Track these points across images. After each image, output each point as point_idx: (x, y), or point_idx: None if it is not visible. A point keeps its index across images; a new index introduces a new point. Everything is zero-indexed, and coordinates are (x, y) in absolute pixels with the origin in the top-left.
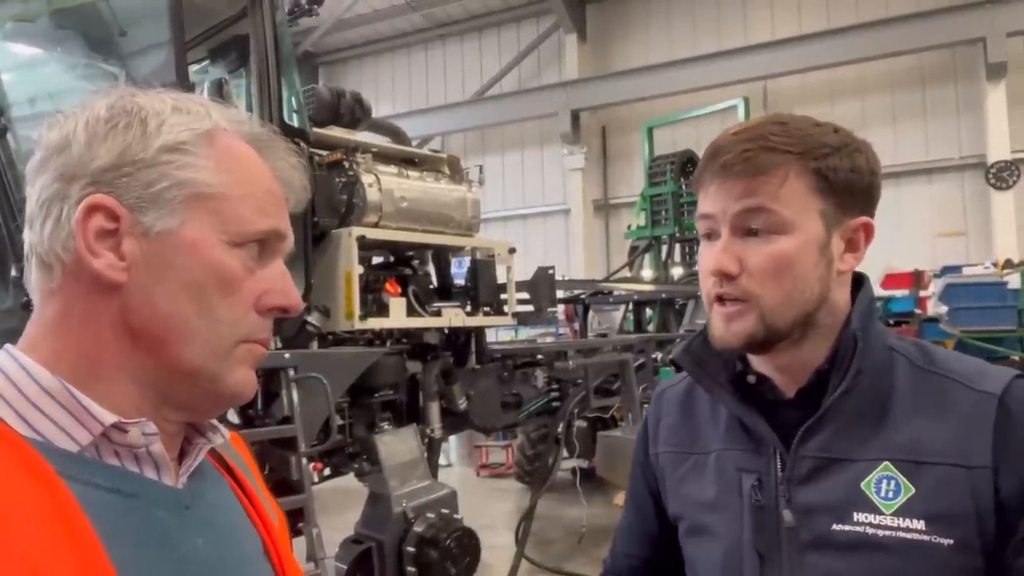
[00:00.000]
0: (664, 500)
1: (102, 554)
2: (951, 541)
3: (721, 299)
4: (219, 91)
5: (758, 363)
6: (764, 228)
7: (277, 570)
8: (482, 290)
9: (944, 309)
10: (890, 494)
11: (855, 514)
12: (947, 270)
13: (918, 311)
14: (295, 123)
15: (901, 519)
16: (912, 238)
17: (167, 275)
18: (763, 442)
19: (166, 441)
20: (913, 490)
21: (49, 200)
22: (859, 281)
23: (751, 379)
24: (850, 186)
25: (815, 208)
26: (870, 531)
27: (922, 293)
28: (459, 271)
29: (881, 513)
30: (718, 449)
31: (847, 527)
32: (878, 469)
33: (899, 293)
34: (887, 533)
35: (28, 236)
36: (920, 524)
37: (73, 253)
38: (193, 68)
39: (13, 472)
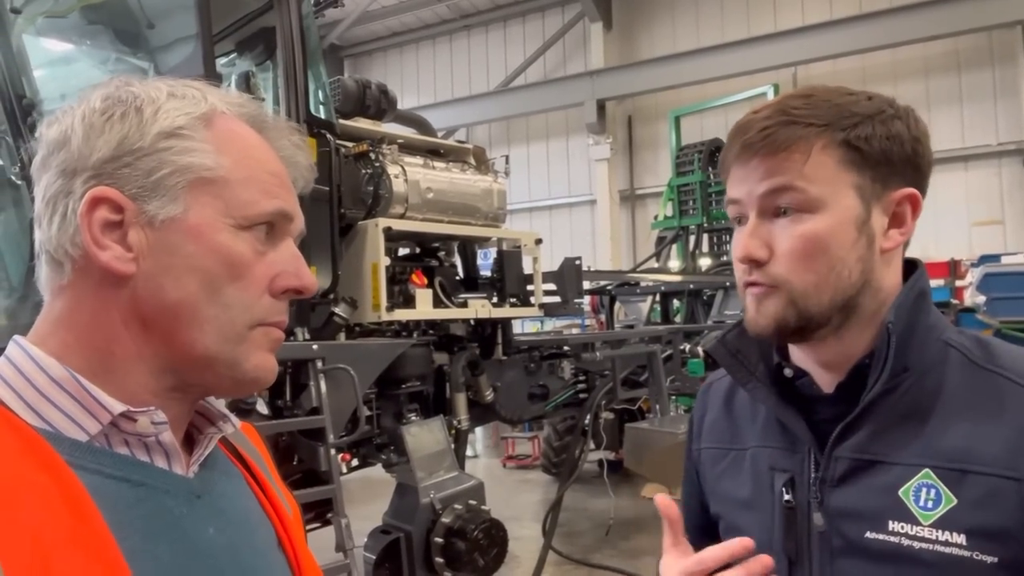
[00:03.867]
0: (706, 498)
1: (112, 542)
2: (995, 559)
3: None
4: (246, 84)
5: (798, 357)
6: (792, 207)
7: (291, 560)
8: (508, 281)
9: (982, 299)
10: (929, 504)
11: (890, 522)
12: (985, 259)
13: (954, 301)
14: (321, 115)
15: (940, 532)
16: (948, 227)
17: (175, 263)
18: (798, 440)
19: (173, 427)
20: (955, 501)
21: (54, 197)
22: (913, 269)
23: (788, 373)
24: (888, 156)
25: (848, 182)
26: (906, 542)
27: (958, 283)
28: (485, 262)
29: (919, 524)
30: (754, 446)
31: (881, 535)
32: (918, 476)
33: (935, 283)
34: (924, 546)
35: (38, 234)
36: (961, 538)
37: (81, 248)
38: (221, 61)
39: (22, 462)
